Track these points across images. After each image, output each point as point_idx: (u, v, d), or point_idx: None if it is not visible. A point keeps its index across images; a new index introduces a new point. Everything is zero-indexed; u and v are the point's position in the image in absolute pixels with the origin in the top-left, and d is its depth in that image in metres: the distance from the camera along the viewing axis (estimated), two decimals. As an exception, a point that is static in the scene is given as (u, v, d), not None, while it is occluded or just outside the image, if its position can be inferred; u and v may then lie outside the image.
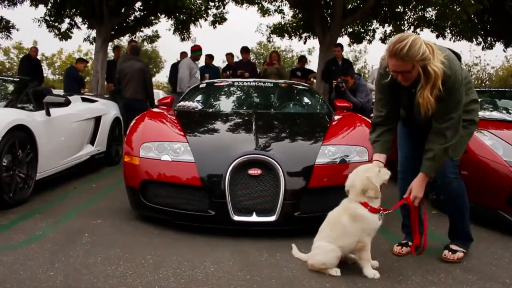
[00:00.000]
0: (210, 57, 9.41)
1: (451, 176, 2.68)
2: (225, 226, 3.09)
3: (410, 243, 2.86)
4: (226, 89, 4.89)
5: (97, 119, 5.86)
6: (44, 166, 4.23)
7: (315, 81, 9.99)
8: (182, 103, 4.50)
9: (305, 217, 3.12)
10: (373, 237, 2.52)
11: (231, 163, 3.08)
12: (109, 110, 6.29)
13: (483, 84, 26.26)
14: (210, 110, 4.32)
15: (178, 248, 2.83)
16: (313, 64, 20.50)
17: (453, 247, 2.74)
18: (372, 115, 2.92)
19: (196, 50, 8.31)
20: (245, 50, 9.16)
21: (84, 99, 6.04)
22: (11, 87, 4.56)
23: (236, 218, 3.04)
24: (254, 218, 3.05)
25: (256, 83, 4.97)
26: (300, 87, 5.06)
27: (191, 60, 8.33)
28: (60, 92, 9.66)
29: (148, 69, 7.47)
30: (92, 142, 5.69)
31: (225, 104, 4.59)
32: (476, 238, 2.91)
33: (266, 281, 2.37)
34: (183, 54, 9.21)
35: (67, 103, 4.52)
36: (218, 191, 3.06)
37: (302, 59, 10.05)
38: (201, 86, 5.00)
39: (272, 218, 3.05)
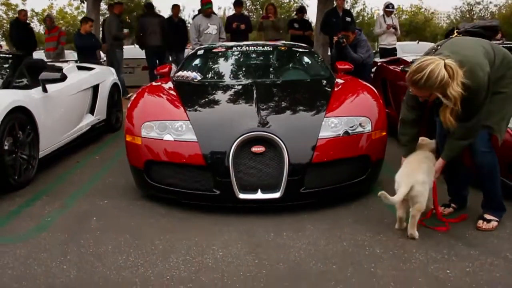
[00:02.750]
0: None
1: (484, 150, 2.74)
2: (230, 205, 3.13)
3: (453, 205, 3.12)
4: (224, 55, 4.77)
5: (95, 88, 5.78)
6: (46, 144, 4.22)
7: (313, 33, 9.76)
8: (180, 73, 4.41)
9: (310, 192, 3.15)
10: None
11: (234, 141, 3.07)
12: (106, 77, 6.20)
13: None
14: (209, 81, 4.23)
15: (186, 231, 2.88)
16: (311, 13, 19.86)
17: (487, 216, 2.85)
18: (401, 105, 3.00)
19: (205, 4, 8.10)
20: (238, 4, 8.86)
21: (80, 68, 5.93)
22: (5, 65, 4.44)
23: (241, 196, 3.06)
24: (259, 195, 3.08)
25: (254, 47, 4.83)
26: (300, 49, 4.93)
27: (199, 17, 8.21)
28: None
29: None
30: (91, 111, 5.65)
31: (224, 72, 4.49)
32: (478, 206, 2.96)
33: (274, 265, 2.44)
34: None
35: (63, 78, 4.44)
36: (222, 170, 3.07)
37: (302, 10, 9.76)
38: (198, 53, 4.88)
39: (277, 195, 3.07)
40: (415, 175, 2.63)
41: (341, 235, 2.79)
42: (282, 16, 22.38)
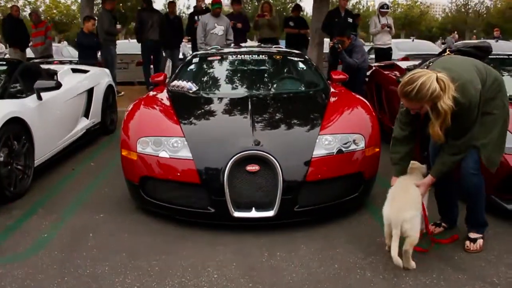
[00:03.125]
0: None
1: (472, 172, 2.77)
2: (225, 223, 3.18)
3: (443, 224, 3.17)
4: (219, 65, 4.78)
5: (90, 91, 5.77)
6: (41, 152, 4.24)
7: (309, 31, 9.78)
8: (176, 82, 4.42)
9: (303, 210, 3.20)
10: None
11: (229, 160, 3.10)
12: (101, 79, 6.20)
13: (480, 18, 25.61)
14: (205, 93, 4.24)
15: (181, 250, 2.92)
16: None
17: (472, 235, 2.93)
18: (393, 127, 3.01)
19: (214, 3, 7.99)
20: (236, 1, 8.81)
21: (74, 70, 5.91)
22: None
23: (236, 214, 3.11)
24: (253, 213, 3.13)
25: (250, 56, 4.84)
26: (295, 58, 4.94)
27: (207, 15, 8.14)
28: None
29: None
30: (86, 115, 5.65)
31: (219, 84, 4.50)
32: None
33: (268, 289, 2.50)
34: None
35: (58, 86, 4.44)
36: (217, 188, 3.10)
37: (297, 8, 9.76)
38: (193, 60, 4.88)
39: (271, 213, 3.12)
40: (402, 214, 2.61)
41: (333, 256, 2.85)
42: (278, 7, 22.29)
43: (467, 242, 2.92)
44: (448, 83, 2.46)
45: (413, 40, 13.06)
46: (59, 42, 20.84)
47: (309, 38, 9.56)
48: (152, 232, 3.20)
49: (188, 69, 4.72)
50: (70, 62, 7.14)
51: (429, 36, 46.79)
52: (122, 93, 8.99)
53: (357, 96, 4.17)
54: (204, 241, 3.06)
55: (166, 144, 3.31)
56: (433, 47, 12.46)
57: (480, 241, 2.92)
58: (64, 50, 12.55)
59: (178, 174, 3.20)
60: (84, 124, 5.47)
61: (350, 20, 8.52)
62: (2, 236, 3.12)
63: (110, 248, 2.95)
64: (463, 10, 28.25)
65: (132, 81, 10.75)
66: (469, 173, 2.79)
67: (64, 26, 28.02)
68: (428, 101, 2.47)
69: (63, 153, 4.83)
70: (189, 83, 4.31)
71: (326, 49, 8.99)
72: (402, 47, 11.63)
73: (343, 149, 3.33)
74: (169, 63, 10.49)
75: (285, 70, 4.77)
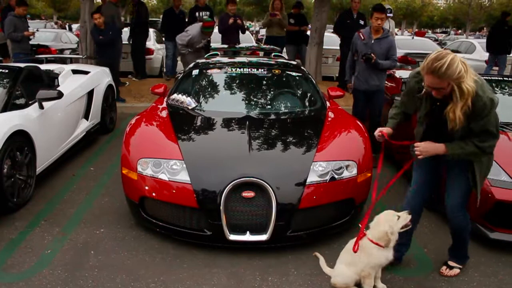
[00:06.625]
0: None
1: (459, 214, 2.95)
2: (221, 245, 3.33)
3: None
4: (218, 79, 4.85)
5: (90, 92, 5.85)
6: (42, 160, 4.35)
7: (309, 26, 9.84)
8: (175, 95, 4.51)
9: (296, 235, 3.36)
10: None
11: (226, 186, 3.23)
12: (101, 79, 6.26)
13: (482, 10, 25.44)
14: (203, 111, 4.33)
15: (178, 272, 3.08)
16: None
17: (451, 263, 3.15)
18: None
19: (207, 27, 7.29)
20: (231, 2, 8.71)
21: (75, 71, 5.96)
22: (2, 80, 4.48)
23: (231, 237, 3.26)
24: (248, 237, 3.28)
25: (249, 69, 4.91)
26: (294, 73, 5.02)
27: (198, 32, 7.33)
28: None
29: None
30: (86, 116, 5.74)
31: (218, 100, 4.59)
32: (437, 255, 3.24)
33: (259, 318, 2.67)
34: None
35: (60, 96, 4.51)
36: (213, 213, 3.24)
37: (298, 5, 9.76)
38: (193, 73, 4.96)
39: (265, 237, 3.27)
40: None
41: (321, 283, 3.02)
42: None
43: (444, 267, 3.15)
44: (468, 67, 2.49)
45: (413, 38, 13.06)
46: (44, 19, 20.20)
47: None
48: (151, 251, 3.35)
49: (188, 82, 4.81)
50: (70, 60, 7.15)
51: (430, 24, 46.40)
52: (127, 83, 9.25)
53: (351, 117, 4.28)
54: (200, 262, 3.22)
55: (165, 167, 3.43)
56: (433, 46, 12.44)
57: (456, 270, 3.14)
58: (63, 36, 12.49)
59: (176, 197, 3.33)
60: (84, 126, 5.57)
61: (361, 22, 8.58)
62: (7, 252, 3.26)
63: (110, 268, 3.10)
64: (465, 2, 28.07)
65: (131, 71, 10.78)
66: (453, 214, 2.96)
67: (63, 5, 27.61)
68: (454, 79, 2.46)
69: (64, 157, 4.94)
70: (188, 99, 4.41)
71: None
72: (401, 45, 11.64)
73: (336, 176, 3.46)
74: (163, 55, 10.65)
75: (284, 87, 4.83)
